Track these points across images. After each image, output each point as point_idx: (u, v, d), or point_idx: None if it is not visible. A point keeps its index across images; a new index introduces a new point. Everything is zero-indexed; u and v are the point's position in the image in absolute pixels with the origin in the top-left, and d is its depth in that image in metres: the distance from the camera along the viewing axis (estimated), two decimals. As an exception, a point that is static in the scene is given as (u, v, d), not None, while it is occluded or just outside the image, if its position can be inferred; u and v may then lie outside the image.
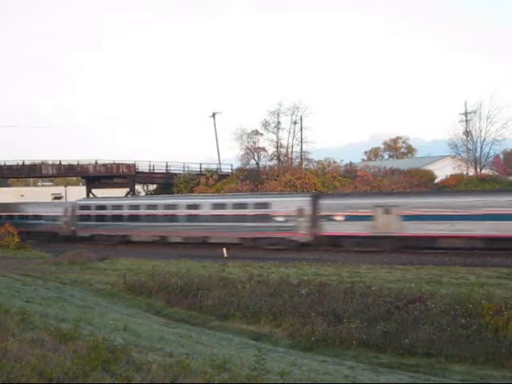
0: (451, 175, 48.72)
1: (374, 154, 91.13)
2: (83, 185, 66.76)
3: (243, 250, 33.77)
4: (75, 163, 55.28)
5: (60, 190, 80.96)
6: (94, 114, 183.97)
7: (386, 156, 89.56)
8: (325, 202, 33.83)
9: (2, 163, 53.78)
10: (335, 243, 32.86)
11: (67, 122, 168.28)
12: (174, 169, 57.89)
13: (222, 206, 37.43)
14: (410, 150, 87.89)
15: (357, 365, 11.91)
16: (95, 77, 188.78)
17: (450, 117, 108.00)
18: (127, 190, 57.48)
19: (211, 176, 54.02)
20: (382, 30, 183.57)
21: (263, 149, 55.67)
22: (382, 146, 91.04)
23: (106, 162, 55.36)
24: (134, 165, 55.44)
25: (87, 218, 44.14)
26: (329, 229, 32.92)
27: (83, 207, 45.31)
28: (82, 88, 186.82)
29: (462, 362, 12.31)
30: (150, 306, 19.49)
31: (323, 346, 13.89)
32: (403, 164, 57.29)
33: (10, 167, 54.08)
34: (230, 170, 58.32)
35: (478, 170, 50.14)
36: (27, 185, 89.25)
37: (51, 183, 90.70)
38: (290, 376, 8.10)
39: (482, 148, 50.16)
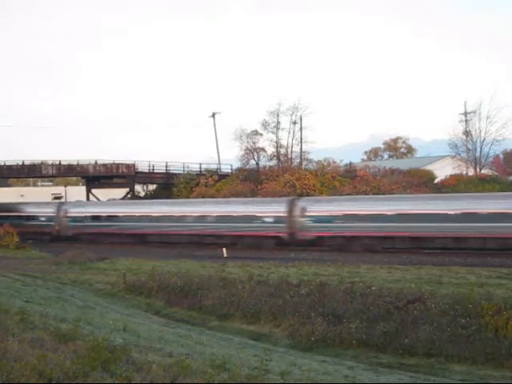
0: (451, 175, 48.72)
1: (373, 154, 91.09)
2: (83, 185, 66.72)
3: (243, 250, 33.79)
4: (75, 163, 55.21)
5: (60, 189, 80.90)
6: (94, 114, 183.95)
7: (386, 156, 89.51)
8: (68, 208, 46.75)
9: (2, 163, 53.71)
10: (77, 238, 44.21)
11: (67, 122, 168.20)
12: (173, 169, 57.81)
13: None
14: (410, 150, 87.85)
15: (357, 365, 11.93)
16: (95, 77, 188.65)
17: (450, 117, 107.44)
18: (127, 189, 57.48)
19: (211, 176, 53.99)
20: (382, 30, 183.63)
21: (263, 149, 55.68)
22: (382, 146, 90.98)
23: (106, 162, 55.31)
24: (133, 165, 55.37)
25: None
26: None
27: None
28: (82, 88, 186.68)
29: (462, 362, 12.31)
30: (149, 306, 19.49)
31: (323, 346, 13.90)
32: (403, 164, 57.30)
33: (9, 167, 54.03)
34: (229, 170, 58.26)
35: (478, 170, 50.14)
36: (27, 185, 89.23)
37: (51, 183, 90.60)
38: (290, 376, 8.10)
39: (481, 148, 50.16)
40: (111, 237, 42.07)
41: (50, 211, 46.83)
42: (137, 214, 42.24)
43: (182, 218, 39.53)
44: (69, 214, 45.38)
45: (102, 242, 41.40)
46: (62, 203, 49.47)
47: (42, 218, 46.80)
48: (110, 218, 43.24)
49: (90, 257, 30.50)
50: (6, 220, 44.55)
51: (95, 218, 44.06)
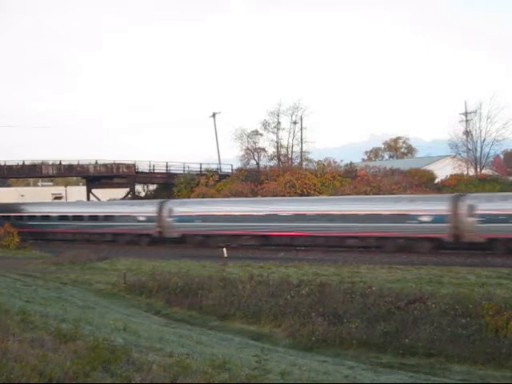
0: (451, 175, 48.70)
1: (374, 154, 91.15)
2: (83, 185, 66.74)
3: (243, 250, 33.78)
4: (75, 163, 55.21)
5: (60, 189, 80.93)
6: (94, 114, 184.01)
7: (386, 156, 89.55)
8: None
9: (2, 163, 53.68)
10: None
11: (67, 122, 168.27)
12: (174, 169, 57.85)
13: None
14: (410, 150, 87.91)
15: (357, 365, 11.90)
16: (95, 77, 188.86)
17: (450, 117, 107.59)
18: (127, 189, 57.50)
19: (211, 176, 53.98)
20: (382, 29, 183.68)
21: (263, 149, 55.70)
22: (382, 146, 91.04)
23: (106, 162, 55.32)
24: (134, 165, 55.39)
25: None
26: None
27: None
28: (82, 88, 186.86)
29: (461, 362, 12.30)
30: (149, 306, 19.47)
31: (323, 346, 13.88)
32: (403, 164, 57.27)
33: (10, 167, 54.00)
34: (230, 170, 58.29)
35: (478, 170, 50.14)
36: (27, 185, 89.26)
37: (51, 183, 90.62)
38: (290, 376, 8.10)
39: (482, 148, 50.19)
40: None
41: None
42: None
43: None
44: None
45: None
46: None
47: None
48: None
49: (90, 257, 30.51)
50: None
51: None
